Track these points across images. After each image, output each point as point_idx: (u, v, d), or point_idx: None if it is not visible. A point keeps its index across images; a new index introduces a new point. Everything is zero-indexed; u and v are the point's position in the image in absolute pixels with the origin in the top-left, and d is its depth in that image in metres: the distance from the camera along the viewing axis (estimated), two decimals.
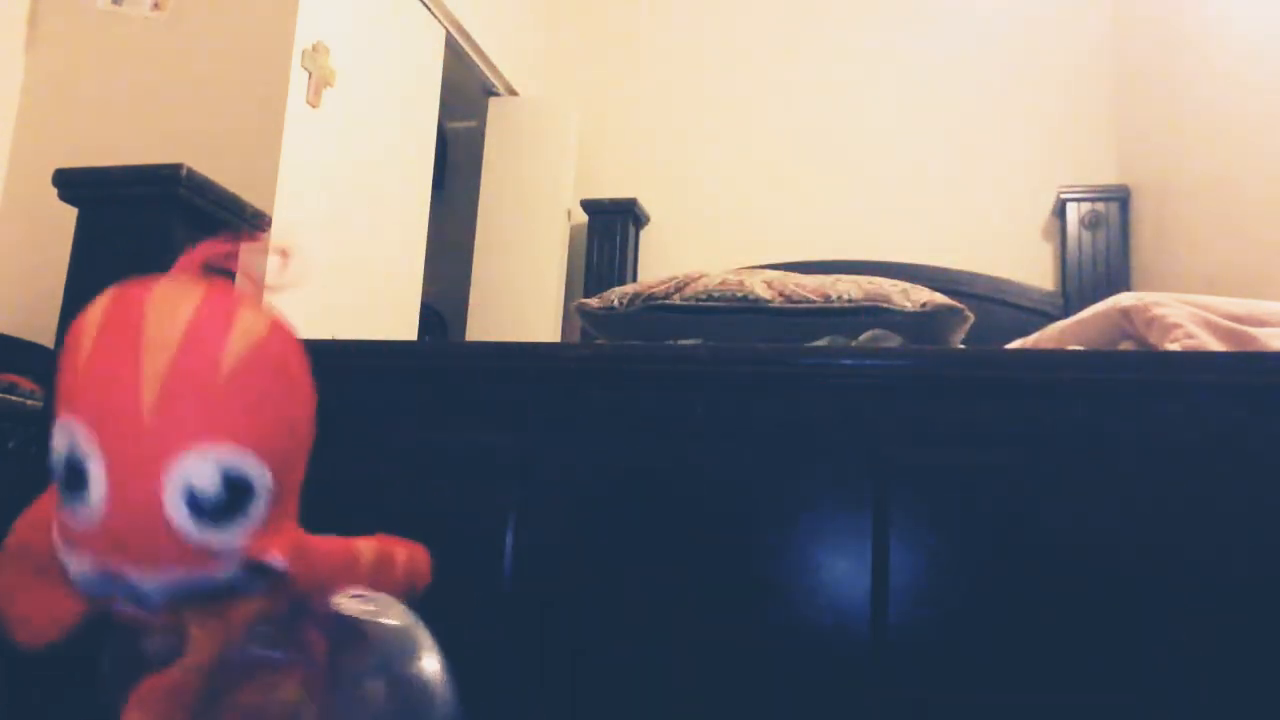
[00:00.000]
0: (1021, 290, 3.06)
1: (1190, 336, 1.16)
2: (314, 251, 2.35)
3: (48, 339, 1.31)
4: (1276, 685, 0.87)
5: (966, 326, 1.51)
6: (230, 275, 0.76)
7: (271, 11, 2.32)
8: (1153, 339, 1.20)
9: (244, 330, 0.68)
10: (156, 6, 2.40)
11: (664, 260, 3.38)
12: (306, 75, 2.34)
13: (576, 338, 3.07)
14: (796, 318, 1.49)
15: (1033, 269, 3.14)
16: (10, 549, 0.73)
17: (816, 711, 0.94)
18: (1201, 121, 2.54)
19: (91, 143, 2.38)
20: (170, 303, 0.70)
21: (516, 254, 3.30)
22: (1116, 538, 0.92)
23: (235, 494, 0.65)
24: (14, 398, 1.84)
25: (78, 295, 1.18)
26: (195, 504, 0.64)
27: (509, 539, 1.02)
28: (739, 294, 1.50)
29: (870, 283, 1.50)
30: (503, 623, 1.01)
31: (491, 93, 3.46)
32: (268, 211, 1.41)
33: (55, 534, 0.68)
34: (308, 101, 2.34)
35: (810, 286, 1.50)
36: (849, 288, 1.48)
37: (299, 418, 0.72)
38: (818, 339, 1.49)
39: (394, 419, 1.09)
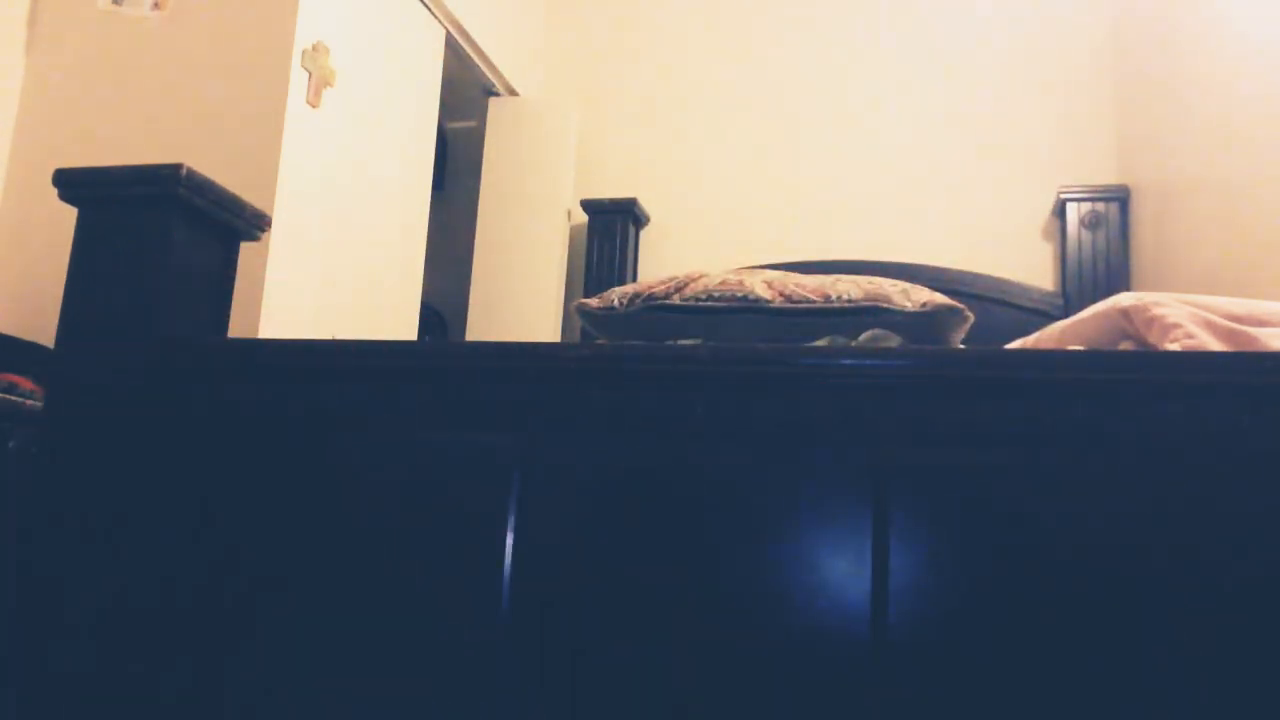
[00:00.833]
0: (1021, 290, 3.06)
1: (1190, 336, 1.16)
2: (314, 251, 2.36)
3: (48, 339, 1.31)
4: (1277, 685, 0.87)
5: (966, 326, 1.51)
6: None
7: (271, 11, 2.33)
8: (1152, 339, 1.20)
9: None
10: (156, 6, 2.40)
11: (664, 260, 3.38)
12: (306, 75, 2.34)
13: (576, 338, 3.07)
14: (796, 318, 1.49)
15: (1033, 269, 3.14)
16: None
17: (816, 711, 0.94)
18: (1201, 121, 2.54)
19: (91, 143, 2.38)
20: None
21: (516, 254, 3.30)
22: (1116, 538, 0.92)
23: None
24: (14, 398, 1.84)
25: (78, 295, 1.18)
26: None
27: (509, 539, 1.02)
28: (739, 294, 1.50)
29: (870, 283, 1.50)
30: (502, 623, 1.01)
31: (491, 93, 3.46)
32: (268, 211, 1.41)
33: None
34: (308, 101, 2.34)
35: (810, 286, 1.50)
36: (849, 288, 1.48)
37: None
38: (818, 339, 1.49)
39: (394, 419, 1.09)
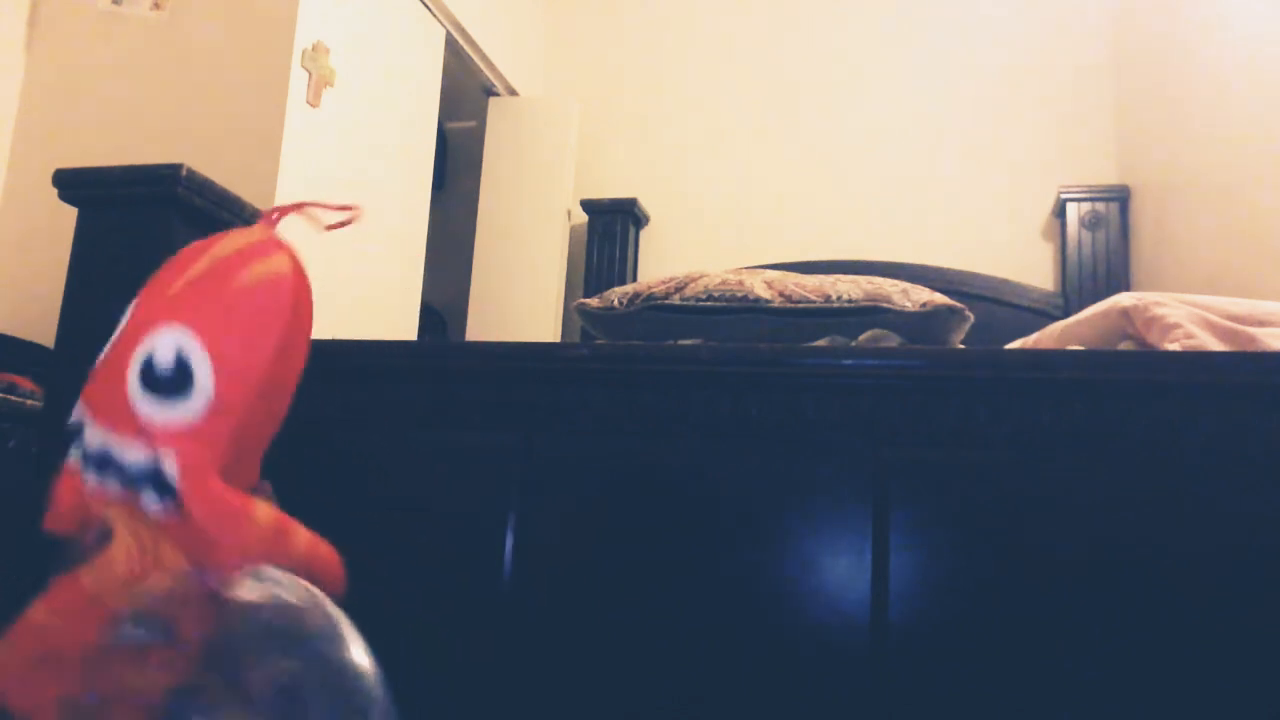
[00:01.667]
0: (1021, 290, 3.06)
1: (1190, 336, 1.16)
2: (314, 251, 2.35)
3: (48, 339, 1.31)
4: (1276, 684, 0.87)
5: (966, 326, 1.51)
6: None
7: (271, 11, 2.32)
8: (1152, 339, 1.20)
9: (269, 263, 0.77)
10: (156, 6, 2.40)
11: (664, 260, 3.38)
12: (306, 75, 2.34)
13: (576, 338, 3.07)
14: (796, 318, 1.48)
15: (1033, 269, 3.14)
16: (21, 630, 0.74)
17: (817, 711, 0.94)
18: (1201, 122, 2.54)
19: (91, 143, 2.38)
20: (240, 236, 0.81)
21: (516, 254, 3.30)
22: (1116, 537, 0.92)
23: (181, 376, 0.71)
24: (14, 398, 1.84)
25: (78, 295, 1.18)
26: (148, 373, 0.71)
27: (509, 539, 1.02)
28: (739, 294, 1.50)
29: (870, 283, 1.50)
30: (502, 622, 1.01)
31: (491, 93, 3.46)
32: None
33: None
34: (308, 101, 2.34)
35: (810, 286, 1.50)
36: (849, 288, 1.48)
37: (266, 355, 0.76)
38: (818, 339, 1.49)
39: (394, 419, 1.09)
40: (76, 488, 0.76)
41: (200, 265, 0.77)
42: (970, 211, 3.23)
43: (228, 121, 2.28)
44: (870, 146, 3.35)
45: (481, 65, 3.30)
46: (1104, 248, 3.01)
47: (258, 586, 0.73)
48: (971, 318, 1.51)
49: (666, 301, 1.54)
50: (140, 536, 0.71)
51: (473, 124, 3.67)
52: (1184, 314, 1.18)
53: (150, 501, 0.71)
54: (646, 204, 3.43)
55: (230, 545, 0.73)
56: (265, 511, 0.75)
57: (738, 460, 1.01)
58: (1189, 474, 0.92)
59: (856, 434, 0.98)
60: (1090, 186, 3.07)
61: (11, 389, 1.87)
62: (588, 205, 3.38)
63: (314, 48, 2.36)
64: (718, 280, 1.54)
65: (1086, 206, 3.04)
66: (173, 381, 0.71)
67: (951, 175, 3.26)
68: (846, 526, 0.96)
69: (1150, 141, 2.93)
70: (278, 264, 0.78)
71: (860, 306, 1.46)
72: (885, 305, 1.46)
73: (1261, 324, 1.20)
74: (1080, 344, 1.35)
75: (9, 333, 2.16)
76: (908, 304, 1.46)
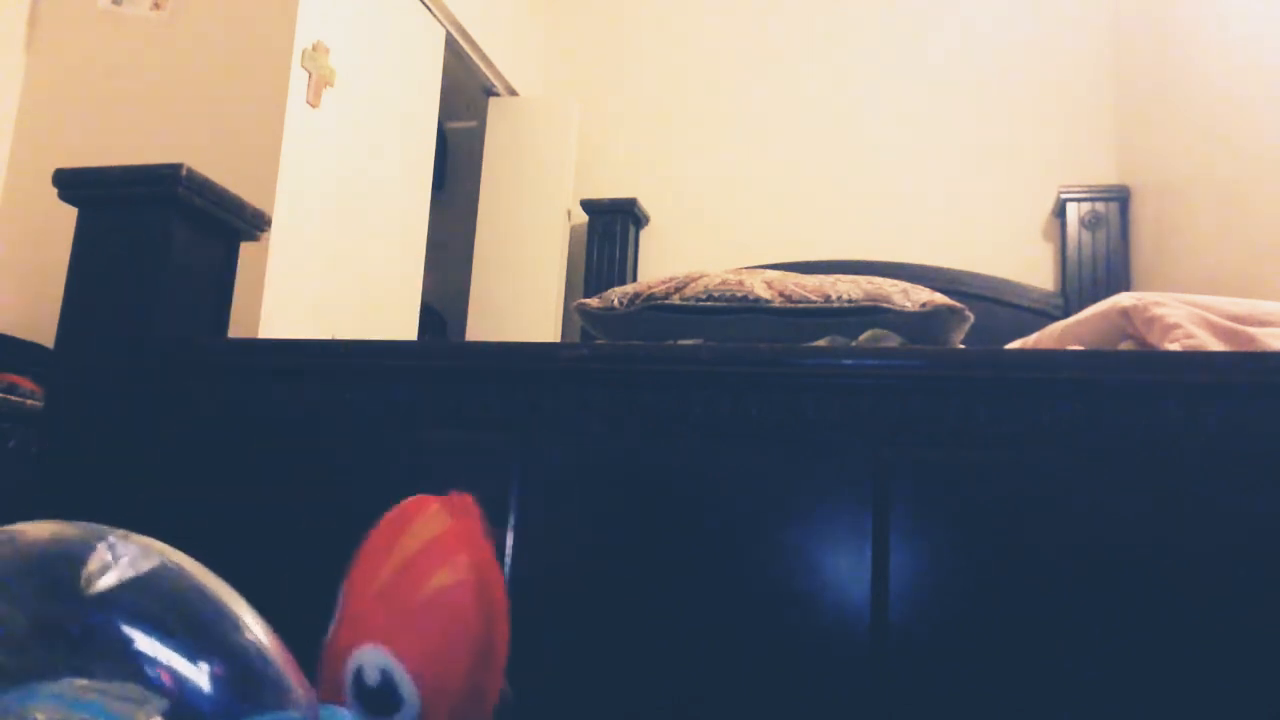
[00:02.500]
0: (1021, 290, 3.06)
1: (1190, 336, 1.16)
2: (314, 251, 2.36)
3: (48, 339, 1.31)
4: (1276, 684, 0.87)
5: (966, 326, 1.51)
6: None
7: (271, 11, 2.33)
8: (1152, 339, 1.20)
9: (452, 570, 0.81)
10: (156, 6, 2.40)
11: (664, 260, 3.38)
12: (306, 75, 2.34)
13: (576, 338, 3.07)
14: (796, 318, 1.48)
15: (1033, 269, 3.14)
16: None
17: (817, 711, 0.94)
18: (1201, 122, 2.54)
19: (91, 143, 2.38)
20: (426, 524, 0.85)
21: (516, 254, 3.30)
22: (1116, 537, 0.92)
23: (389, 694, 0.76)
24: (14, 398, 1.84)
25: (78, 295, 1.18)
26: (359, 688, 0.77)
27: (509, 539, 1.02)
28: (739, 294, 1.50)
29: (870, 283, 1.50)
30: None
31: (491, 93, 3.46)
32: (268, 211, 1.41)
33: None
34: (308, 101, 2.34)
35: (810, 286, 1.50)
36: (849, 288, 1.48)
37: (461, 659, 0.81)
38: (818, 339, 1.49)
39: (394, 419, 1.09)
40: None
41: (395, 559, 0.81)
42: (970, 211, 3.23)
43: (228, 121, 2.28)
44: (870, 146, 3.35)
45: (481, 65, 3.30)
46: (1104, 248, 3.01)
47: None
48: (971, 318, 1.51)
49: (666, 301, 1.54)
50: None
51: (473, 124, 3.67)
52: (1184, 314, 1.18)
53: None
54: (646, 204, 3.43)
55: None
56: None
57: (738, 460, 1.01)
58: (1189, 474, 0.92)
59: (856, 434, 0.98)
60: (1090, 186, 3.07)
61: (11, 389, 1.87)
62: (588, 205, 3.38)
63: (314, 48, 2.36)
64: (718, 280, 1.54)
65: (1086, 206, 3.04)
66: (382, 698, 0.76)
67: (951, 175, 3.26)
68: (846, 526, 0.96)
69: (1150, 141, 2.93)
70: (460, 570, 0.81)
71: (860, 306, 1.46)
72: (885, 305, 1.46)
73: (1261, 324, 1.20)
74: (1080, 344, 1.35)
75: (9, 333, 2.16)
76: (908, 304, 1.46)
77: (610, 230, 3.36)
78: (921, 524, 0.95)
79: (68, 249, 1.19)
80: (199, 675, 0.64)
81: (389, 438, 1.09)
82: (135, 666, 0.62)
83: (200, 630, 0.68)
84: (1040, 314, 2.94)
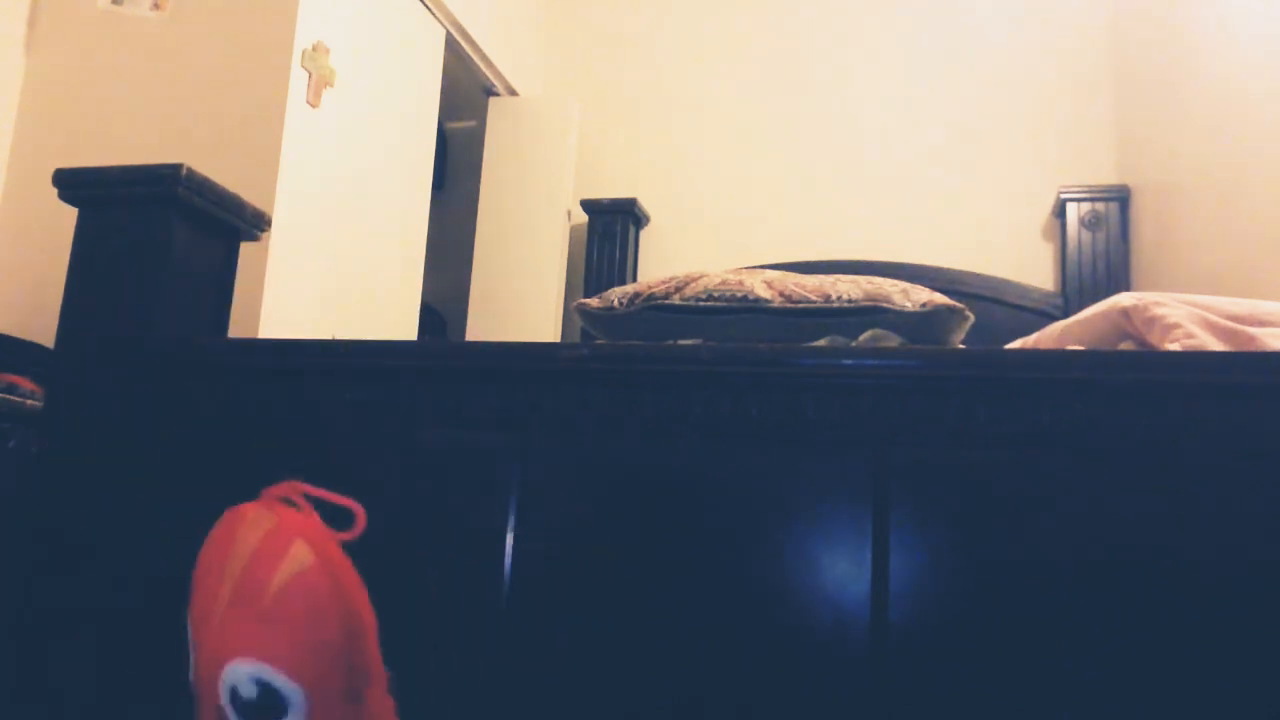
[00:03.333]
0: (1021, 290, 3.06)
1: (1190, 336, 1.16)
2: (314, 251, 2.36)
3: (48, 339, 1.31)
4: (1276, 683, 0.87)
5: (966, 326, 1.51)
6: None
7: (271, 11, 2.32)
8: (1153, 339, 1.20)
9: (292, 561, 0.80)
10: (156, 6, 2.40)
11: (664, 260, 3.38)
12: (306, 75, 2.34)
13: (576, 338, 3.07)
14: (796, 318, 1.49)
15: (1033, 269, 3.14)
16: None
17: (817, 711, 0.94)
18: (1201, 121, 2.54)
19: (91, 143, 2.38)
20: (252, 527, 0.84)
21: (516, 254, 3.30)
22: (1116, 537, 0.92)
23: (270, 701, 0.76)
24: (14, 398, 1.84)
25: (78, 295, 1.18)
26: (240, 706, 0.77)
27: (508, 539, 1.02)
28: (739, 294, 1.50)
29: (870, 283, 1.50)
30: (502, 621, 1.01)
31: (491, 93, 3.46)
32: (268, 211, 1.41)
33: None
34: (308, 101, 2.34)
35: (810, 286, 1.50)
36: (849, 288, 1.48)
37: (331, 641, 0.80)
38: (818, 339, 1.49)
39: (394, 419, 1.09)
40: None
41: (231, 571, 0.81)
42: (970, 211, 3.23)
43: (228, 121, 2.28)
44: (870, 146, 3.35)
45: (481, 65, 3.30)
46: (1104, 248, 3.01)
47: None
48: (971, 318, 1.51)
49: (666, 301, 1.54)
50: None
51: (473, 124, 3.67)
52: (1184, 314, 1.18)
53: None
54: (646, 204, 3.43)
55: None
56: None
57: (738, 460, 1.00)
58: (1189, 474, 0.92)
59: (856, 434, 0.98)
60: (1090, 186, 3.07)
61: (11, 389, 1.87)
62: (588, 205, 3.38)
63: (314, 48, 2.36)
64: (718, 280, 1.54)
65: (1086, 206, 3.04)
66: (267, 707, 0.76)
67: (951, 175, 3.26)
68: (846, 526, 0.96)
69: (1150, 141, 2.93)
70: (300, 559, 0.80)
71: (860, 306, 1.46)
72: (885, 305, 1.46)
73: (1261, 324, 1.20)
74: (1080, 344, 1.35)
75: (9, 333, 2.16)
76: (908, 304, 1.46)
77: (610, 230, 3.36)
78: (921, 524, 0.95)
79: (68, 249, 1.19)
80: None
81: (388, 438, 1.09)
82: None
83: None
84: (1040, 314, 2.94)
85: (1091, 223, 3.03)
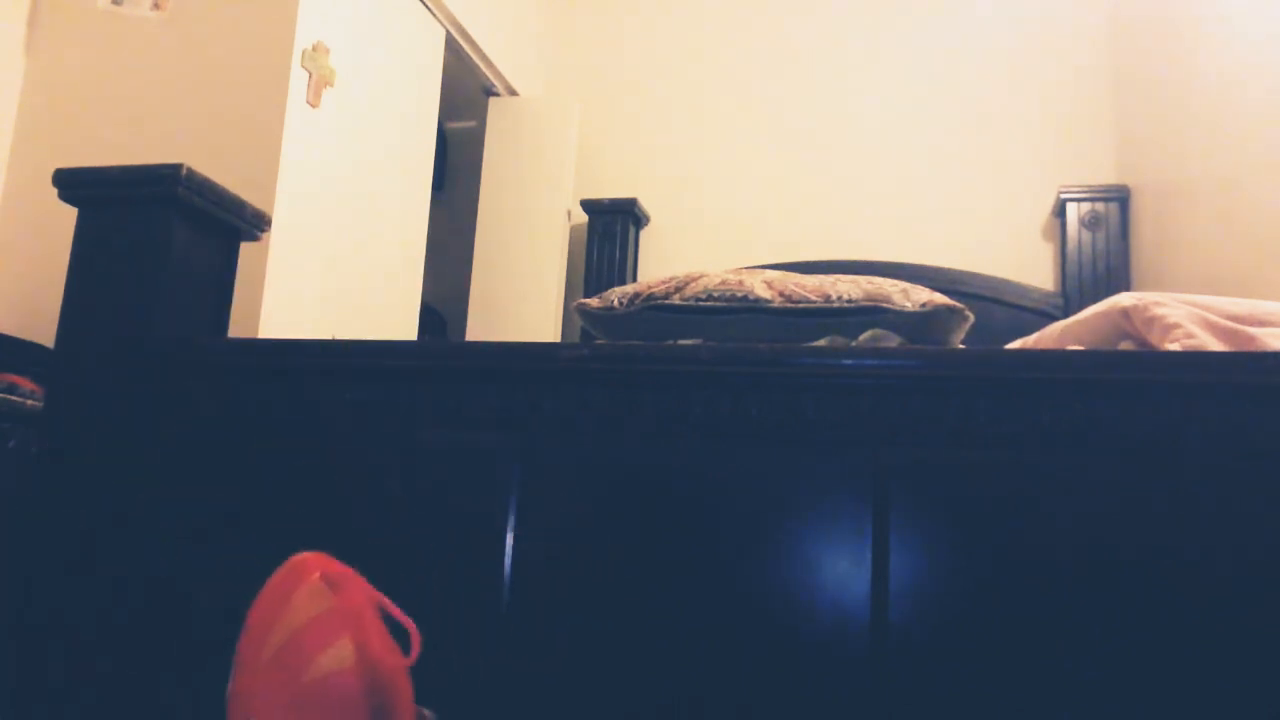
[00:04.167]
0: (1021, 290, 3.06)
1: (1190, 336, 1.16)
2: (314, 251, 2.36)
3: (48, 339, 1.31)
4: (1276, 683, 0.87)
5: (966, 326, 1.51)
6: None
7: (271, 11, 2.32)
8: (1153, 339, 1.20)
9: (335, 654, 0.82)
10: (156, 6, 2.40)
11: (664, 260, 3.38)
12: (306, 75, 2.34)
13: (576, 338, 3.07)
14: (796, 318, 1.49)
15: (1033, 269, 3.14)
16: None
17: (817, 711, 0.94)
18: (1201, 121, 2.54)
19: (91, 143, 2.38)
20: (310, 602, 0.85)
21: (516, 254, 3.30)
22: (1116, 537, 0.92)
23: None
24: (14, 398, 1.84)
25: (78, 295, 1.18)
26: None
27: (508, 539, 1.02)
28: (739, 294, 1.50)
29: (870, 283, 1.50)
30: (503, 621, 1.01)
31: (491, 93, 3.46)
32: (268, 211, 1.41)
33: None
34: (308, 101, 2.34)
35: (810, 286, 1.50)
36: (849, 288, 1.48)
37: None
38: (818, 339, 1.49)
39: (394, 419, 1.09)
40: None
41: (281, 631, 0.82)
42: (970, 211, 3.23)
43: (228, 121, 2.28)
44: (870, 146, 3.35)
45: (481, 65, 3.30)
46: (1104, 248, 3.01)
47: None
48: (971, 318, 1.51)
49: (666, 301, 1.54)
50: None
51: (473, 124, 3.67)
52: (1184, 314, 1.18)
53: None
54: (646, 204, 3.43)
55: None
56: None
57: (738, 460, 1.01)
58: (1189, 474, 0.92)
59: (856, 434, 0.98)
60: (1090, 186, 3.07)
61: (11, 389, 1.87)
62: (588, 205, 3.38)
63: (314, 48, 2.36)
64: (718, 280, 1.54)
65: (1086, 206, 3.04)
66: None
67: (951, 175, 3.26)
68: (846, 526, 0.96)
69: (1150, 141, 2.93)
70: (342, 657, 0.82)
71: (860, 306, 1.46)
72: (885, 305, 1.46)
73: (1261, 324, 1.20)
74: (1080, 344, 1.35)
75: (9, 333, 2.16)
76: (908, 304, 1.46)
77: (610, 230, 3.36)
78: (921, 524, 0.95)
79: (68, 249, 1.19)
80: None
81: (388, 438, 1.09)
82: None
83: None
84: (1040, 314, 2.94)
85: (1091, 223, 3.03)
